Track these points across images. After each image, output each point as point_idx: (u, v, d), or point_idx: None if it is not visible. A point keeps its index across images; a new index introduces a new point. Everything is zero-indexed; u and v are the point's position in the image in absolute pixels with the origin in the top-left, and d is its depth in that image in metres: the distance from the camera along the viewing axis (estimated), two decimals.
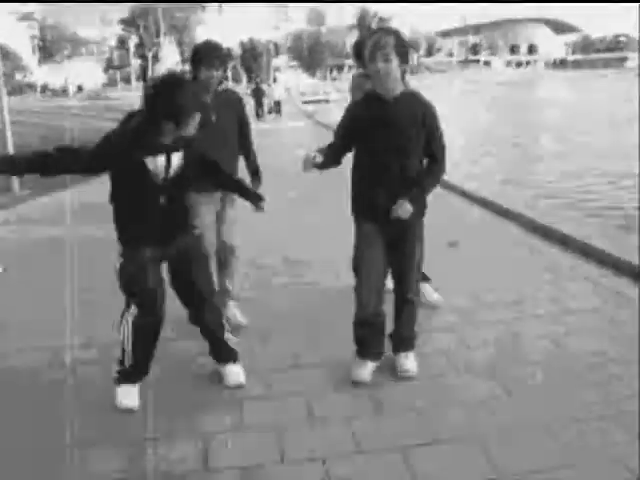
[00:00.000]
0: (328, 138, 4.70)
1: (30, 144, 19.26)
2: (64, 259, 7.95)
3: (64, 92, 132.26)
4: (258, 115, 39.88)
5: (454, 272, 7.34)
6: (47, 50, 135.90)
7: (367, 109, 4.41)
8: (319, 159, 4.32)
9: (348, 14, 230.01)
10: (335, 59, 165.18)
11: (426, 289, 6.22)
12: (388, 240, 4.60)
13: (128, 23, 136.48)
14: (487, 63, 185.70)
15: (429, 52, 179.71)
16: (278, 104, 42.72)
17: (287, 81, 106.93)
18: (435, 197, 4.86)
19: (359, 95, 5.15)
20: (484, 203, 11.13)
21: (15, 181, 15.56)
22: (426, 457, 3.75)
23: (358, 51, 5.86)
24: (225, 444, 4.01)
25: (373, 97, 4.40)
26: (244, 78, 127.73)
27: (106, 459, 3.92)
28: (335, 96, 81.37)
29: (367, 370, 4.84)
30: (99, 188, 5.54)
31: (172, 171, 4.14)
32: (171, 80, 4.04)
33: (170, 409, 4.49)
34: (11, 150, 15.42)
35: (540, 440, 3.89)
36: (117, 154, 3.99)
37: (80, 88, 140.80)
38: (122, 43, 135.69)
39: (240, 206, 5.71)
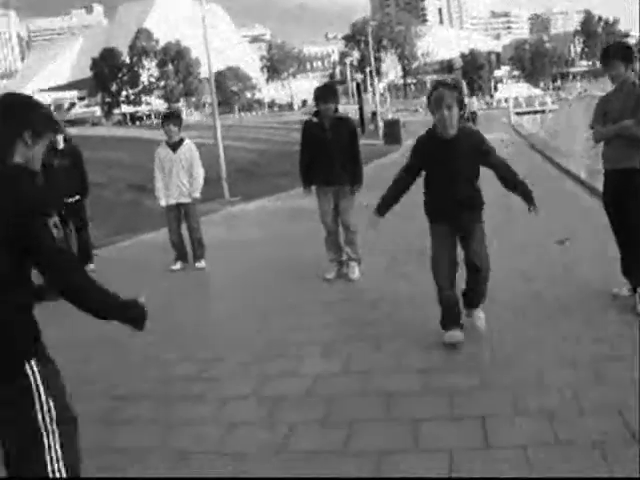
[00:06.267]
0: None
1: (230, 158, 21.56)
2: None
3: (290, 107, 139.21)
4: None
5: None
6: (274, 68, 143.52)
7: (432, 147, 5.52)
8: (379, 218, 5.78)
9: (572, 21, 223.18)
10: (559, 67, 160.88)
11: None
12: (459, 235, 5.65)
13: (350, 39, 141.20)
14: None
15: None
16: (474, 114, 46.33)
17: (508, 91, 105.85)
18: None
19: (600, 122, 6.21)
20: None
21: (226, 190, 17.70)
22: None
23: (606, 54, 6.28)
24: None
25: (435, 137, 5.49)
26: (465, 89, 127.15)
27: None
28: (552, 106, 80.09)
29: (456, 333, 5.61)
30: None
31: None
32: None
33: None
34: (223, 159, 17.72)
35: None
36: None
37: (304, 103, 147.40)
38: (344, 59, 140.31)
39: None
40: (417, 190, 5.73)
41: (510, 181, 5.64)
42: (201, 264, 9.62)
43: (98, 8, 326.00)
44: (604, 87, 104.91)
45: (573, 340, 5.42)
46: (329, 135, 7.85)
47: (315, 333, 6.30)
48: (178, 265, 9.63)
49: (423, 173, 5.68)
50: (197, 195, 9.60)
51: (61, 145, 10.16)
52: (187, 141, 9.64)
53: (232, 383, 5.26)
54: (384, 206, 5.78)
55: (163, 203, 9.59)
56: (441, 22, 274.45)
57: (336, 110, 7.98)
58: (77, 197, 10.22)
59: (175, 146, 9.48)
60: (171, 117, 9.73)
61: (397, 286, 7.56)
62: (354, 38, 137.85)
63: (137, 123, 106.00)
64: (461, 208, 5.54)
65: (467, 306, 5.93)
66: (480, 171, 5.61)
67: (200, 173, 9.60)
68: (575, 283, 6.97)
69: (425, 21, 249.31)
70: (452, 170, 5.45)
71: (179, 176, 9.46)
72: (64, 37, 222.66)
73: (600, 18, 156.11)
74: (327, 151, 7.84)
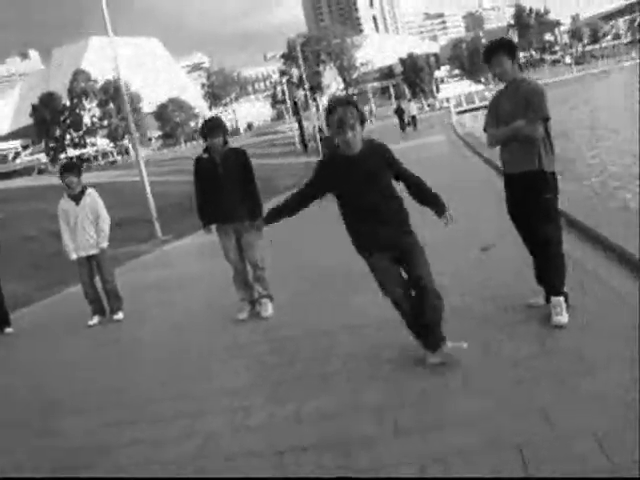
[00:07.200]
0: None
1: (168, 192, 21.20)
2: None
3: (235, 132, 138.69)
4: (403, 129, 46.54)
5: None
6: (216, 95, 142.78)
7: (338, 168, 5.10)
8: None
9: (506, 15, 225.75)
10: None
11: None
12: (396, 257, 5.16)
13: (288, 57, 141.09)
14: None
15: (594, 39, 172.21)
16: (414, 118, 48.04)
17: (450, 91, 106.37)
18: None
19: (492, 125, 5.89)
20: None
21: (158, 229, 17.33)
22: None
23: (490, 51, 5.87)
24: None
25: (340, 157, 5.08)
26: (408, 94, 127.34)
27: None
28: None
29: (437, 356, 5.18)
30: None
31: None
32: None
33: None
34: (150, 197, 17.40)
35: None
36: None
37: (250, 126, 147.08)
38: (284, 77, 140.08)
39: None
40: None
41: (420, 192, 5.27)
42: (118, 316, 9.16)
43: (34, 53, 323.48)
44: (541, 76, 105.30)
45: (482, 362, 5.10)
46: (221, 169, 7.54)
47: (217, 383, 5.94)
48: (95, 319, 9.18)
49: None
50: (104, 245, 9.15)
51: None
52: (89, 190, 9.22)
53: (125, 451, 4.85)
54: (275, 215, 5.37)
55: (73, 256, 9.15)
56: (377, 30, 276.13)
57: (226, 142, 7.66)
58: None
59: (77, 198, 9.06)
60: (70, 168, 9.26)
61: (311, 319, 7.20)
62: (291, 55, 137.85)
63: (84, 165, 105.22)
64: (387, 227, 5.09)
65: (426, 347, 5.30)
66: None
67: (106, 222, 9.16)
68: (492, 293, 6.67)
69: (361, 31, 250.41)
70: (365, 188, 5.03)
71: (85, 228, 9.05)
72: (0, 86, 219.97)
73: (531, 10, 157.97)
74: (221, 186, 7.52)
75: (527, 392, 4.42)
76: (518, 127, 5.62)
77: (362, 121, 5.01)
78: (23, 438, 5.62)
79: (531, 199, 5.72)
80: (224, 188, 7.50)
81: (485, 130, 6.12)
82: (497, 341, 5.42)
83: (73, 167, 9.38)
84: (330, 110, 4.99)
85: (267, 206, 5.47)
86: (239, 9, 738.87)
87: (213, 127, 7.62)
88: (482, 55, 6.07)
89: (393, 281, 5.18)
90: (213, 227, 7.82)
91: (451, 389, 4.75)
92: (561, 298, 5.60)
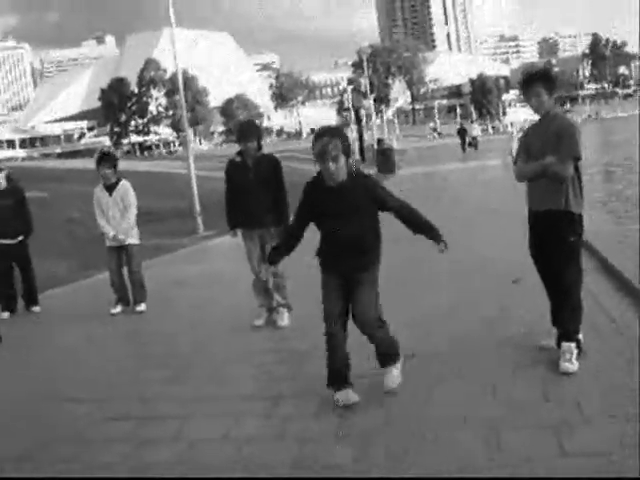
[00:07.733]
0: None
1: (216, 188, 21.32)
2: None
3: (298, 135, 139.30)
4: (463, 149, 47.60)
5: None
6: (283, 96, 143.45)
7: (319, 196, 5.11)
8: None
9: (582, 44, 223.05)
10: (568, 91, 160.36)
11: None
12: (347, 286, 5.16)
13: (358, 66, 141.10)
14: None
15: None
16: (475, 139, 49.40)
17: (516, 115, 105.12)
18: None
19: (523, 158, 5.75)
20: None
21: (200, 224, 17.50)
22: None
23: (527, 80, 5.68)
24: None
25: (322, 186, 5.07)
26: (474, 114, 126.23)
27: None
28: None
29: (350, 393, 5.12)
30: None
31: None
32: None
33: None
34: (195, 192, 17.56)
35: None
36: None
37: (313, 130, 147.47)
38: (350, 85, 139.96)
39: None
40: None
41: (413, 221, 5.21)
42: (141, 307, 9.23)
43: (110, 39, 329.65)
44: (611, 109, 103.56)
45: (478, 403, 4.97)
46: (252, 174, 7.49)
47: (218, 388, 5.91)
48: (118, 308, 9.27)
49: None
50: (131, 241, 9.30)
51: (3, 185, 9.88)
52: (123, 182, 9.34)
53: (109, 447, 4.86)
54: (278, 255, 5.47)
55: (112, 233, 9.19)
56: (450, 47, 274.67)
57: (260, 147, 7.62)
58: (20, 238, 9.94)
59: (111, 188, 9.21)
60: (106, 159, 9.37)
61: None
62: (362, 65, 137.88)
63: (145, 153, 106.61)
64: (356, 259, 5.11)
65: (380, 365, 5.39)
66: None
67: (131, 216, 9.28)
68: (508, 330, 6.54)
69: (434, 47, 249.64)
70: (345, 220, 5.02)
71: (116, 218, 9.20)
72: (74, 68, 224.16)
73: (608, 40, 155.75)
74: (251, 191, 7.46)
75: (514, 439, 4.30)
76: (548, 164, 5.46)
77: (347, 154, 4.99)
78: (16, 422, 5.67)
79: (554, 240, 5.58)
80: (253, 193, 7.46)
81: (515, 163, 5.99)
82: (499, 382, 5.29)
83: (109, 159, 9.47)
84: (316, 138, 4.99)
85: None
86: (313, 13, 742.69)
87: (248, 131, 7.61)
88: (520, 85, 5.94)
89: (336, 301, 5.20)
90: (239, 231, 7.81)
91: (438, 425, 4.65)
92: (572, 344, 5.43)
